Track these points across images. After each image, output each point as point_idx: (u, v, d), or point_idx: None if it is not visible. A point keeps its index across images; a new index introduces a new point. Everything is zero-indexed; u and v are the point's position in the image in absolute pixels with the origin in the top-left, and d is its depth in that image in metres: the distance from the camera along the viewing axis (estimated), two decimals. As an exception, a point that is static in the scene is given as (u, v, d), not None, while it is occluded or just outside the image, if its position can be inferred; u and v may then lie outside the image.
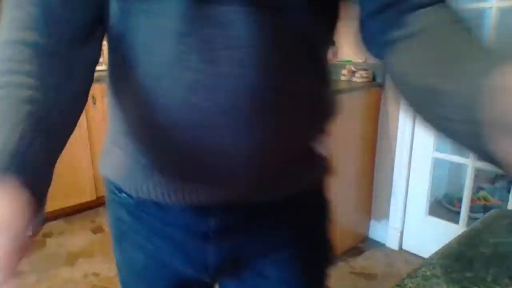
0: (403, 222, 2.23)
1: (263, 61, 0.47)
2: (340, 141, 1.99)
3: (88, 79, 0.50)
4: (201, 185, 0.53)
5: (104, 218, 2.57)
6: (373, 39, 0.50)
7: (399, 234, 2.24)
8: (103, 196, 2.57)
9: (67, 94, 0.46)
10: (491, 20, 1.82)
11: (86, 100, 0.50)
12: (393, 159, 2.18)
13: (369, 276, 2.02)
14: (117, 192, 0.61)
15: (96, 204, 2.65)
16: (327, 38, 0.56)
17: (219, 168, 0.51)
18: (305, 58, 0.52)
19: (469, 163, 1.95)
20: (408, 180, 2.16)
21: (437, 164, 2.11)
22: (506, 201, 2.09)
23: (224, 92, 0.46)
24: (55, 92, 0.44)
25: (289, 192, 0.59)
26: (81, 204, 2.58)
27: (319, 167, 0.63)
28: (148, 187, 0.55)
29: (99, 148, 2.51)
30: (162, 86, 0.48)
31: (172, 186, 0.53)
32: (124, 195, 0.60)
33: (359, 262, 2.14)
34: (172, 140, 0.50)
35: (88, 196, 2.58)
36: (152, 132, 0.51)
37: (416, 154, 2.11)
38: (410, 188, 2.17)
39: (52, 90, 0.44)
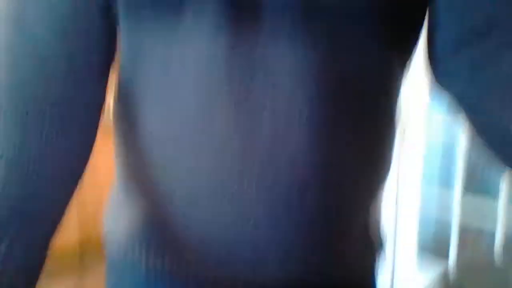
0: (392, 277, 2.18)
1: (312, 123, 0.37)
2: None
3: (89, 141, 0.42)
4: (224, 264, 0.43)
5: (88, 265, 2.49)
6: (456, 79, 0.40)
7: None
8: (87, 241, 2.52)
9: (49, 170, 0.38)
10: None
11: (81, 176, 0.42)
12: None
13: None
14: (122, 255, 0.50)
15: (80, 251, 2.57)
16: (400, 79, 0.45)
17: (248, 248, 0.41)
18: (372, 111, 0.42)
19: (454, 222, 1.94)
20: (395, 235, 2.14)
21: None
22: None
23: (258, 162, 0.38)
24: (24, 172, 0.37)
25: (331, 280, 0.47)
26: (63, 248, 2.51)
27: (371, 249, 0.51)
28: (161, 257, 0.45)
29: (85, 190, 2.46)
30: (180, 148, 0.39)
31: (190, 261, 0.44)
32: (131, 260, 0.49)
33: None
34: (193, 212, 0.41)
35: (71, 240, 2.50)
36: (169, 201, 0.42)
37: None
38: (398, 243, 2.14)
39: (23, 168, 0.37)
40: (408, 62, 0.45)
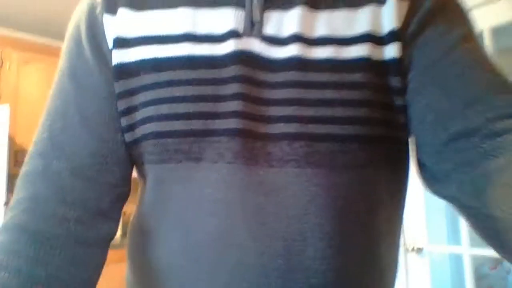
0: None
1: (325, 235, 0.40)
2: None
3: (98, 270, 0.44)
4: None
5: None
6: (444, 185, 0.42)
7: None
8: None
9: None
10: None
11: None
12: None
13: None
14: None
15: None
16: (401, 189, 0.48)
17: None
18: (376, 226, 0.44)
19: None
20: None
21: None
22: None
23: (275, 278, 0.39)
24: None
25: None
26: None
27: None
28: None
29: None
30: (200, 269, 0.41)
31: None
32: None
33: None
34: None
35: None
36: None
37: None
38: None
39: None
40: (405, 171, 0.48)
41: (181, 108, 0.42)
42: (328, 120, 0.41)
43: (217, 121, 0.41)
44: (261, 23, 0.43)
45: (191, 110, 0.42)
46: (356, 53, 0.42)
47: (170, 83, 0.43)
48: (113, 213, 0.46)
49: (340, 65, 0.42)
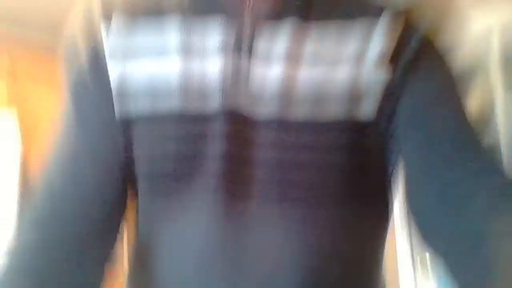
0: None
1: (301, 270, 0.41)
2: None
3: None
4: None
5: None
6: (431, 228, 0.42)
7: None
8: None
9: None
10: None
11: None
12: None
13: None
14: None
15: None
16: (382, 227, 0.49)
17: None
18: (357, 258, 0.45)
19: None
20: None
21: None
22: None
23: None
24: None
25: None
26: None
27: None
28: None
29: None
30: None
31: None
32: None
33: None
34: None
35: None
36: None
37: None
38: None
39: None
40: (388, 204, 0.48)
41: (169, 167, 0.44)
42: (302, 183, 0.42)
43: (198, 180, 0.43)
44: (247, 75, 0.43)
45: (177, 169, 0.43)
46: (334, 114, 0.42)
47: (163, 138, 0.44)
48: (114, 233, 0.47)
49: (317, 127, 0.42)
